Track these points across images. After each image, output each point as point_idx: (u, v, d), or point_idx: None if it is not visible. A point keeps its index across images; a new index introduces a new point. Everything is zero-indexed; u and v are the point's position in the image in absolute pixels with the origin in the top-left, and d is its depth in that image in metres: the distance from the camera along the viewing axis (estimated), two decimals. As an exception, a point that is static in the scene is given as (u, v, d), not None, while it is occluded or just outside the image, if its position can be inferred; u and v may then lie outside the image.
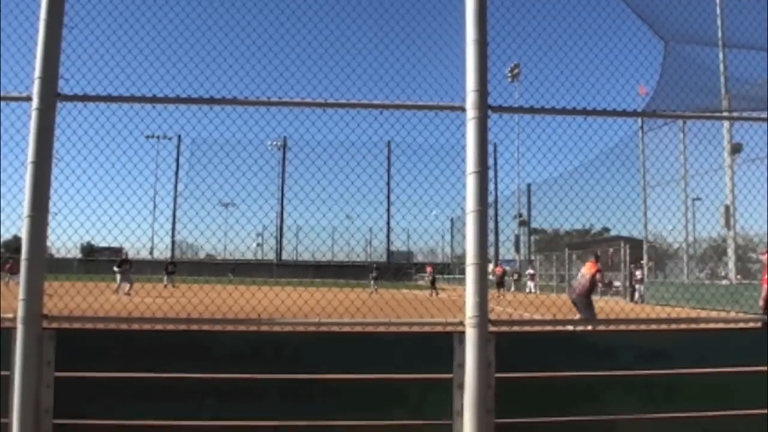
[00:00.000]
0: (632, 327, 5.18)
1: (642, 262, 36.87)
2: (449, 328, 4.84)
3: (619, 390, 4.91)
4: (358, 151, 5.74)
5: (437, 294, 33.41)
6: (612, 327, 5.21)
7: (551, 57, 5.64)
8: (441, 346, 4.80)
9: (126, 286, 30.82)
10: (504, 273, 44.15)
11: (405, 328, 5.01)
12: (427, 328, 5.02)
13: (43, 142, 4.74)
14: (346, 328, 5.01)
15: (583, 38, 5.64)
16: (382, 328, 4.99)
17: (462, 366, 4.69)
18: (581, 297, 13.91)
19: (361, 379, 4.85)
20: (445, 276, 66.23)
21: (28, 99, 4.85)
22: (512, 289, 44.20)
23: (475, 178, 4.72)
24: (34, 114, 4.77)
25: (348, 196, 5.76)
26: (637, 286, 36.08)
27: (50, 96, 4.80)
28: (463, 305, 4.79)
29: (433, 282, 39.16)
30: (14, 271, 31.32)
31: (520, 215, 59.73)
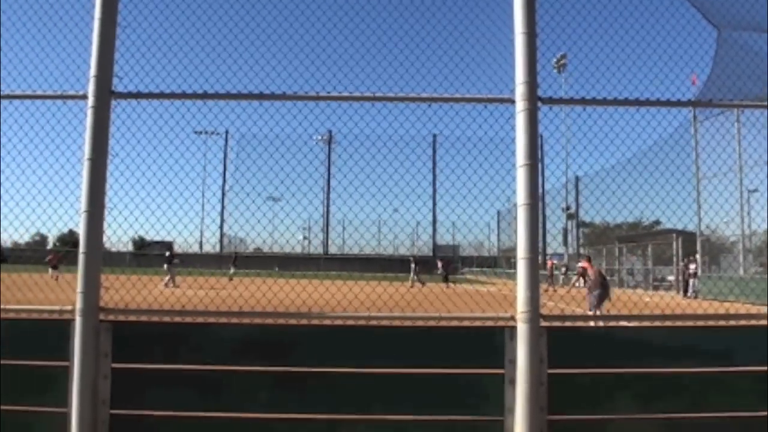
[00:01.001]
0: (689, 323, 5.07)
1: (695, 255, 36.02)
2: (500, 323, 4.82)
3: (673, 387, 4.82)
4: (407, 144, 5.76)
5: (448, 286, 33.09)
6: (668, 323, 5.11)
7: (600, 47, 5.54)
8: (492, 342, 4.78)
9: (166, 278, 31.61)
10: (553, 267, 43.70)
11: (455, 323, 5.01)
12: (477, 323, 5.00)
13: (99, 139, 4.87)
14: (396, 323, 5.02)
15: (635, 27, 5.54)
16: (431, 323, 5.00)
17: (513, 362, 4.67)
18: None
19: (411, 373, 4.87)
20: (491, 269, 65.84)
21: (84, 97, 4.99)
22: (560, 283, 43.71)
23: (525, 171, 4.69)
24: (89, 112, 4.90)
25: (397, 190, 5.78)
26: (690, 281, 35.25)
27: (105, 94, 4.93)
28: (514, 300, 4.76)
29: (446, 277, 38.99)
30: (53, 264, 32.05)
31: (569, 208, 58.90)
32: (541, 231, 4.95)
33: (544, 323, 4.70)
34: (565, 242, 59.61)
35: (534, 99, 4.79)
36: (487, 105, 5.13)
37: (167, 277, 32.08)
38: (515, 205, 4.78)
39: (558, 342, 4.75)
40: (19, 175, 5.74)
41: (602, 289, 16.85)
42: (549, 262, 43.51)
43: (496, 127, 5.26)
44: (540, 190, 4.85)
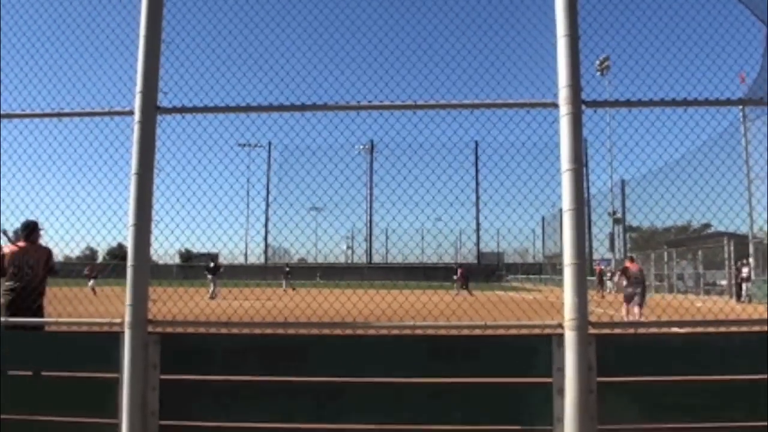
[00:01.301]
0: (743, 328, 4.93)
1: (748, 258, 35.09)
2: (547, 331, 4.75)
3: (730, 396, 4.68)
4: (449, 151, 5.73)
5: (470, 293, 32.59)
6: (722, 328, 4.97)
7: (645, 47, 5.44)
8: (539, 350, 4.71)
9: (211, 289, 31.91)
10: (601, 273, 43.07)
11: (501, 332, 4.96)
12: (524, 331, 4.94)
13: (145, 154, 4.96)
14: (442, 332, 4.99)
15: (680, 25, 5.42)
16: (477, 332, 4.95)
17: (561, 370, 4.59)
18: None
19: (457, 383, 4.83)
20: (536, 276, 65.14)
21: (131, 113, 5.09)
22: (608, 289, 43.01)
23: (570, 176, 4.62)
24: (136, 127, 5.00)
25: (440, 198, 5.75)
26: (743, 285, 34.34)
27: (150, 109, 5.02)
28: (561, 307, 4.69)
29: (465, 285, 38.70)
30: (92, 275, 32.51)
31: (615, 212, 57.95)
32: (587, 236, 4.87)
33: (592, 330, 4.62)
34: (612, 247, 58.64)
35: (578, 102, 4.73)
36: (530, 110, 5.08)
37: (212, 288, 32.38)
38: (560, 210, 4.71)
39: (607, 349, 4.66)
40: (69, 191, 5.88)
41: (642, 287, 17.94)
42: (597, 268, 42.88)
43: (540, 132, 5.21)
44: (585, 195, 4.78)
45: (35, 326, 6.37)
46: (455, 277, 40.58)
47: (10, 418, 4.92)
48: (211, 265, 34.44)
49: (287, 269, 45.29)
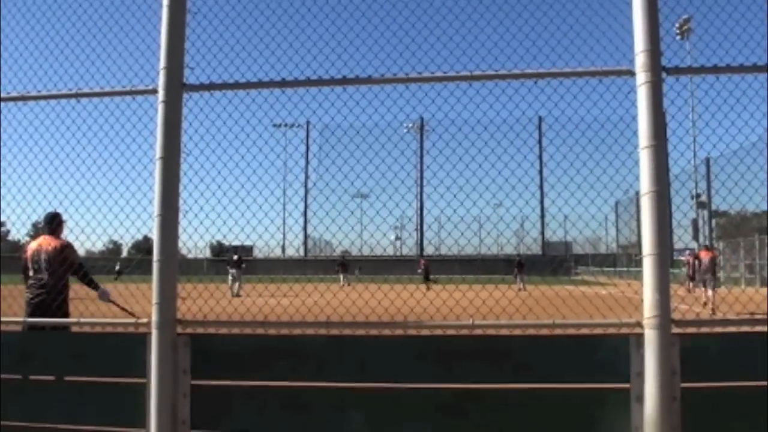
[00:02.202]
0: None
1: None
2: (624, 330, 4.67)
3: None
4: (511, 128, 5.65)
5: (428, 289, 32.12)
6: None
7: (734, 4, 5.26)
8: (615, 352, 4.63)
9: (236, 286, 32.19)
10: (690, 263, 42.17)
11: (571, 331, 4.89)
12: (598, 331, 4.86)
13: (171, 137, 5.00)
14: (503, 331, 4.95)
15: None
16: (544, 331, 4.89)
17: (641, 375, 4.50)
18: None
19: (521, 389, 4.79)
20: (611, 268, 64.35)
21: (154, 92, 5.13)
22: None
23: (649, 154, 4.51)
24: (160, 107, 5.04)
25: (500, 180, 5.68)
26: None
27: (176, 87, 5.05)
28: (639, 303, 4.60)
29: (426, 278, 38.53)
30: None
31: (699, 196, 56.67)
32: (669, 223, 4.76)
33: (676, 330, 4.52)
34: (696, 236, 57.45)
35: (657, 69, 4.61)
36: (602, 79, 4.98)
37: (236, 285, 32.64)
38: (638, 193, 4.62)
39: (694, 351, 4.55)
40: (89, 178, 5.98)
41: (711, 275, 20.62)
42: (687, 258, 41.95)
43: (614, 104, 5.10)
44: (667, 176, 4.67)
45: (56, 327, 6.51)
46: (419, 271, 40.83)
47: (30, 426, 5.03)
48: (234, 258, 34.70)
49: (342, 261, 45.44)
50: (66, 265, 7.65)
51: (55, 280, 7.59)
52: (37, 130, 6.04)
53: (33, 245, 8.02)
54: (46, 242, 7.98)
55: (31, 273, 7.84)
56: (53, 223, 8.01)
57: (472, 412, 4.77)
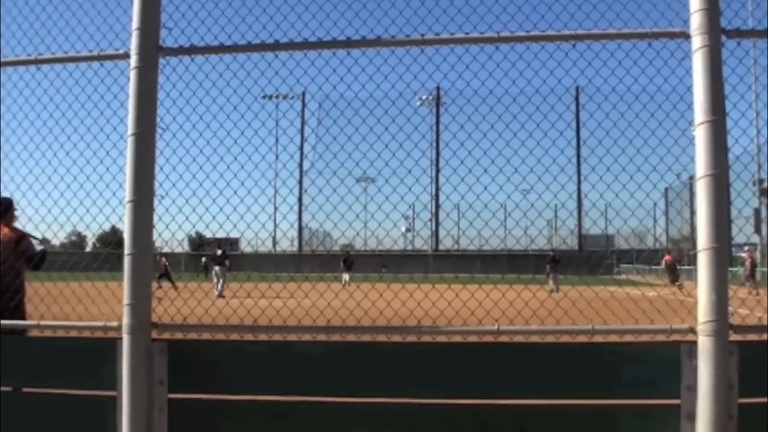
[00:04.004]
0: None
1: None
2: (675, 337, 4.68)
3: None
4: (544, 100, 5.64)
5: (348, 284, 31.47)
6: None
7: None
8: (663, 362, 4.65)
9: (219, 285, 32.32)
10: (753, 262, 42.20)
11: (613, 338, 4.90)
12: (643, 338, 4.87)
13: (145, 109, 5.01)
14: (533, 338, 4.97)
15: None
16: (581, 338, 4.91)
17: (692, 389, 4.52)
18: None
19: (554, 405, 4.81)
20: (659, 267, 64.19)
21: (126, 56, 5.14)
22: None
23: (707, 131, 4.50)
24: (132, 74, 5.04)
25: (532, 162, 5.69)
26: None
27: (151, 51, 5.06)
28: (693, 306, 4.61)
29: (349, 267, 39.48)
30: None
31: (762, 181, 56.32)
32: (728, 212, 4.77)
33: (734, 336, 4.53)
34: (758, 228, 57.18)
35: (716, 31, 4.60)
36: (652, 43, 4.98)
37: (220, 283, 32.78)
38: (692, 177, 4.62)
39: (754, 361, 4.57)
40: (50, 158, 5.99)
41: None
42: (747, 255, 41.91)
43: (666, 72, 5.10)
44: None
45: (13, 330, 6.55)
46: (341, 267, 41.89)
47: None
48: (218, 253, 34.84)
49: (347, 258, 45.77)
50: (23, 258, 7.70)
51: (11, 276, 7.63)
52: (-14, 102, 6.05)
53: None
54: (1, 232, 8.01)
55: None
56: (3, 210, 8.03)
57: (497, 428, 4.81)
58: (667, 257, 44.62)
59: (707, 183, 4.49)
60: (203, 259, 49.93)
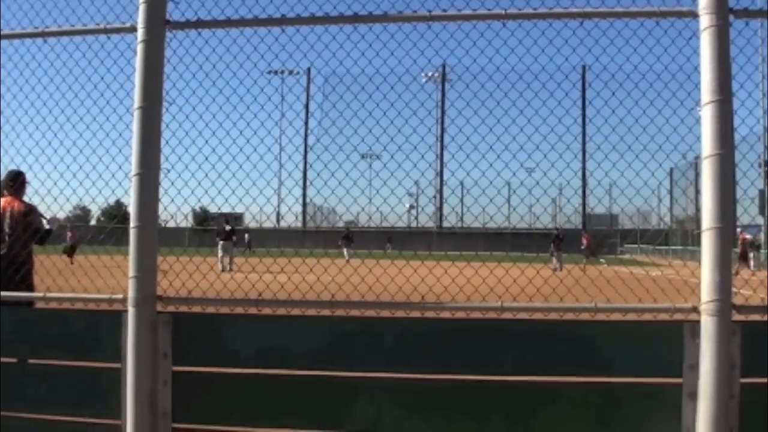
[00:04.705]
0: None
1: None
2: (678, 316, 4.69)
3: None
4: (551, 78, 5.63)
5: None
6: None
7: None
8: (666, 341, 4.66)
9: (226, 260, 32.38)
10: (750, 243, 42.32)
11: (616, 316, 4.91)
12: (646, 316, 4.88)
13: (152, 83, 5.00)
14: (537, 315, 4.98)
15: None
16: (584, 316, 4.92)
17: (695, 368, 4.53)
18: None
19: (555, 382, 4.84)
20: (665, 247, 64.22)
21: (133, 30, 5.12)
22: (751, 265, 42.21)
23: (713, 110, 4.49)
24: (139, 48, 5.03)
25: (537, 139, 5.68)
26: None
27: (158, 24, 5.04)
28: (696, 286, 4.61)
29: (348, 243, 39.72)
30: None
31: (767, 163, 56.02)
32: (734, 192, 4.77)
33: (737, 317, 4.53)
34: (763, 209, 57.05)
35: (724, 11, 4.58)
36: (660, 21, 4.95)
37: (227, 258, 32.81)
38: (698, 157, 4.61)
39: (756, 342, 4.56)
40: (56, 131, 6.00)
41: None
42: (741, 237, 42.03)
43: (673, 51, 5.08)
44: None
45: (19, 302, 6.58)
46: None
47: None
48: (227, 227, 34.87)
49: (347, 234, 45.97)
50: (30, 231, 7.75)
51: (18, 248, 7.68)
52: (-5, 75, 6.04)
53: None
54: (8, 204, 8.07)
55: None
56: (16, 182, 8.09)
57: (496, 407, 4.84)
58: (585, 237, 46.80)
59: (713, 163, 4.48)
60: (246, 236, 49.88)
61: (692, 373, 4.54)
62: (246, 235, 47.18)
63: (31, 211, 8.13)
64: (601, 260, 41.99)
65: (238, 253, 34.11)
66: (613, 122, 5.66)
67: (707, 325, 4.46)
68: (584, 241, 46.23)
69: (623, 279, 6.25)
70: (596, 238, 45.45)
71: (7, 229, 7.94)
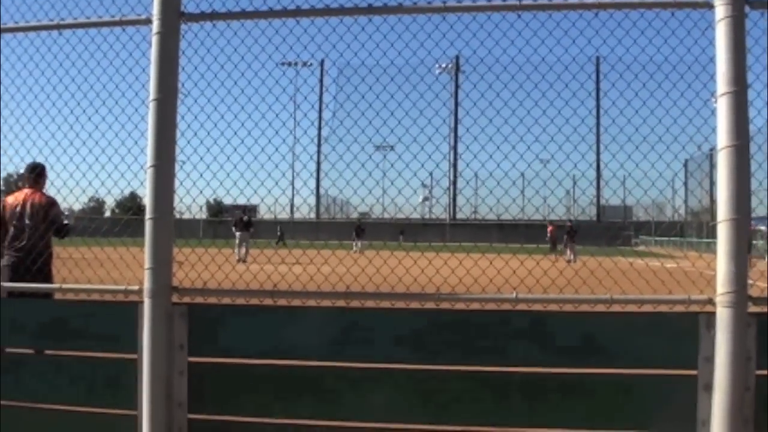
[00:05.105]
0: None
1: None
2: (693, 308, 4.67)
3: None
4: (566, 69, 5.61)
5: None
6: None
7: None
8: (681, 332, 4.65)
9: (242, 251, 32.50)
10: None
11: (631, 308, 4.90)
12: (662, 308, 4.87)
13: (167, 75, 5.00)
14: (551, 306, 4.97)
15: None
16: (600, 308, 4.92)
17: (710, 360, 4.51)
18: None
19: (568, 374, 4.83)
20: (681, 239, 63.99)
21: (147, 22, 5.13)
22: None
23: (729, 101, 4.47)
24: (154, 40, 5.04)
25: (552, 131, 5.66)
26: None
27: (173, 16, 5.05)
28: (711, 278, 4.60)
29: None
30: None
31: (782, 156, 55.77)
32: (749, 184, 4.74)
33: (753, 308, 4.52)
34: (778, 201, 56.75)
35: (740, 1, 4.54)
36: (675, 12, 4.93)
37: (243, 249, 32.93)
38: (713, 149, 4.59)
39: (770, 334, 4.55)
40: (72, 123, 6.02)
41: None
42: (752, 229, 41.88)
43: (688, 42, 5.06)
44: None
45: (36, 293, 6.62)
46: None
47: (9, 405, 5.15)
48: (244, 218, 34.98)
49: (359, 226, 46.18)
50: (48, 223, 7.80)
51: (36, 239, 7.74)
52: (13, 67, 6.07)
53: (11, 199, 8.17)
54: (28, 196, 8.13)
55: (11, 231, 7.99)
56: (35, 174, 8.15)
57: (509, 398, 4.85)
58: (549, 228, 47.04)
59: (728, 154, 4.46)
60: (278, 228, 50.08)
61: (708, 364, 4.52)
62: (278, 228, 47.39)
63: (53, 204, 8.20)
64: (566, 251, 41.85)
65: (270, 245, 34.19)
66: (628, 113, 5.64)
67: (722, 317, 4.45)
68: (548, 233, 46.86)
69: (638, 271, 6.22)
70: (561, 230, 45.57)
71: (27, 221, 8.01)
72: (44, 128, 6.10)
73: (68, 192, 6.43)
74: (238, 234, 34.68)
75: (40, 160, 7.66)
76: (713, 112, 4.60)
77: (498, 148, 5.67)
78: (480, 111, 5.78)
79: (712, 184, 4.63)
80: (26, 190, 8.31)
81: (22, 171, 8.48)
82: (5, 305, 5.33)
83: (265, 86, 5.83)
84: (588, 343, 4.80)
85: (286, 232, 49.14)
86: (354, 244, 43.78)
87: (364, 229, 47.00)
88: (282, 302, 5.19)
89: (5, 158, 6.23)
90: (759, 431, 4.48)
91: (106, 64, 5.90)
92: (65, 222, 8.42)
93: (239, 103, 5.80)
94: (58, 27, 5.56)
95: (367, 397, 4.92)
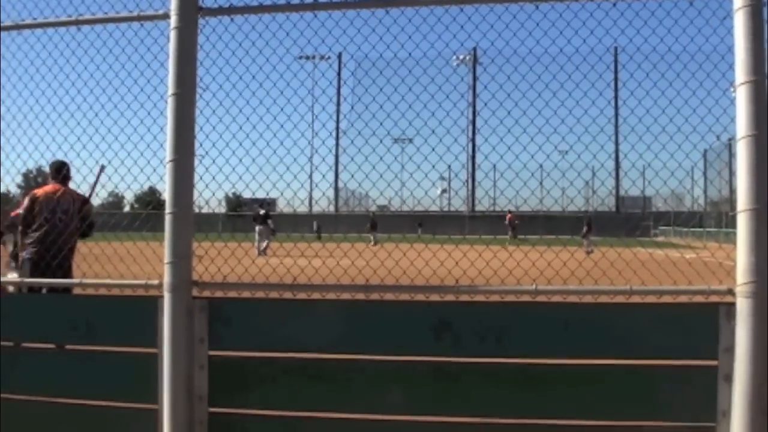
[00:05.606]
0: None
1: None
2: (713, 299, 4.65)
3: None
4: (584, 60, 5.58)
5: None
6: None
7: None
8: (701, 324, 4.63)
9: (263, 244, 32.64)
10: None
11: (651, 298, 4.88)
12: (681, 299, 4.85)
13: (185, 69, 5.03)
14: (571, 298, 4.96)
15: None
16: (619, 299, 4.90)
17: (730, 350, 4.48)
18: None
19: (589, 365, 4.82)
20: (701, 229, 63.66)
21: (166, 17, 5.15)
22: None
23: (748, 91, 4.44)
24: (172, 35, 5.06)
25: (571, 122, 5.64)
26: None
27: (191, 11, 5.07)
28: (731, 269, 4.57)
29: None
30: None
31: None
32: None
33: (773, 299, 4.49)
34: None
35: (759, -11, 4.52)
36: (694, 1, 4.91)
37: (265, 242, 33.10)
38: (732, 138, 4.56)
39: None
40: (91, 118, 6.05)
41: None
42: None
43: (707, 32, 5.02)
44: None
45: (55, 288, 6.67)
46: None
47: (25, 399, 5.20)
48: (261, 212, 35.17)
49: (373, 218, 46.47)
50: (80, 219, 7.86)
51: (66, 234, 7.79)
52: (32, 64, 6.10)
53: (40, 192, 8.22)
54: (60, 191, 8.18)
55: (37, 223, 8.03)
56: (63, 172, 8.20)
57: (527, 388, 4.84)
58: (509, 215, 47.56)
59: (748, 144, 4.43)
60: (314, 224, 50.68)
61: (728, 355, 4.50)
62: (314, 222, 47.81)
63: (86, 201, 8.27)
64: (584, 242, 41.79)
65: (306, 239, 34.40)
66: (646, 104, 5.61)
67: (743, 307, 4.42)
68: (507, 220, 47.55)
69: (657, 262, 6.19)
70: (522, 218, 46.04)
71: (60, 215, 8.07)
72: (63, 124, 6.13)
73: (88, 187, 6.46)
74: (257, 228, 34.91)
75: (59, 156, 7.71)
76: (732, 101, 4.57)
77: (517, 139, 5.65)
78: (498, 102, 5.76)
79: (732, 174, 4.60)
80: (55, 185, 8.36)
81: (42, 168, 8.54)
82: (24, 301, 5.37)
83: (284, 80, 5.84)
84: (607, 334, 4.79)
85: (304, 225, 49.31)
86: (371, 237, 43.97)
87: (377, 222, 47.37)
88: (302, 295, 5.20)
89: (25, 155, 6.26)
90: (780, 422, 4.46)
91: (125, 59, 5.93)
92: (94, 221, 8.51)
93: (258, 97, 5.80)
94: (77, 23, 5.58)
95: (387, 390, 4.93)
